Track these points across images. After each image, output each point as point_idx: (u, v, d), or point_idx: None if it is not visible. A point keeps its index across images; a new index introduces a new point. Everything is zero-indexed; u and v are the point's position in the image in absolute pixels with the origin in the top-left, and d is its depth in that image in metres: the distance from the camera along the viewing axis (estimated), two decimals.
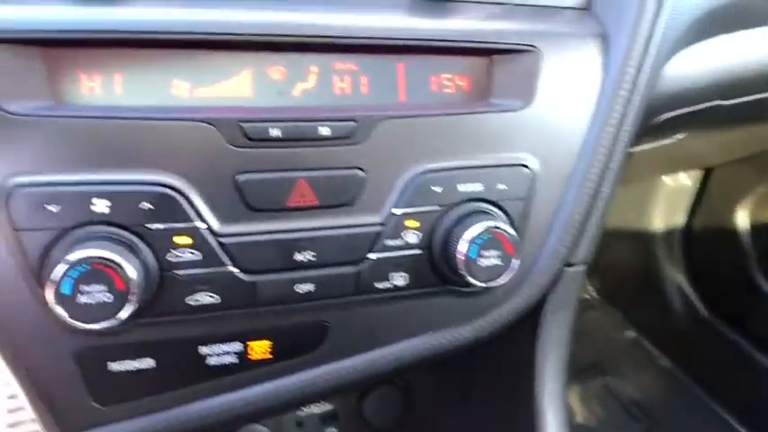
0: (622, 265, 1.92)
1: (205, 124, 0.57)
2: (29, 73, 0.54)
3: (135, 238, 0.57)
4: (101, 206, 0.56)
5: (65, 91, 0.56)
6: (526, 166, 0.69)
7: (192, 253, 0.59)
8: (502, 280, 0.66)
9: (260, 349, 0.66)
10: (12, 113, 0.53)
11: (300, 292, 0.63)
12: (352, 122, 0.61)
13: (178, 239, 0.58)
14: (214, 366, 0.64)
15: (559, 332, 0.82)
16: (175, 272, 0.59)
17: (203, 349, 0.64)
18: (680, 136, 1.05)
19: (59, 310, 0.53)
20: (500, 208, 0.68)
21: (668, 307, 1.78)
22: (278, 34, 0.60)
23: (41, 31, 0.54)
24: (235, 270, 0.61)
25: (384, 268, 0.65)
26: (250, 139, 0.59)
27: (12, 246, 0.55)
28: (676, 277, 1.77)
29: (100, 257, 0.53)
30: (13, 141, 0.54)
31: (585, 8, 0.76)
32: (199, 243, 0.59)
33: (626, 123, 0.72)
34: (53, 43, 0.55)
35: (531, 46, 0.67)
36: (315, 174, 0.62)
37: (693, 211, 1.73)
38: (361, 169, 0.63)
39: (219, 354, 0.64)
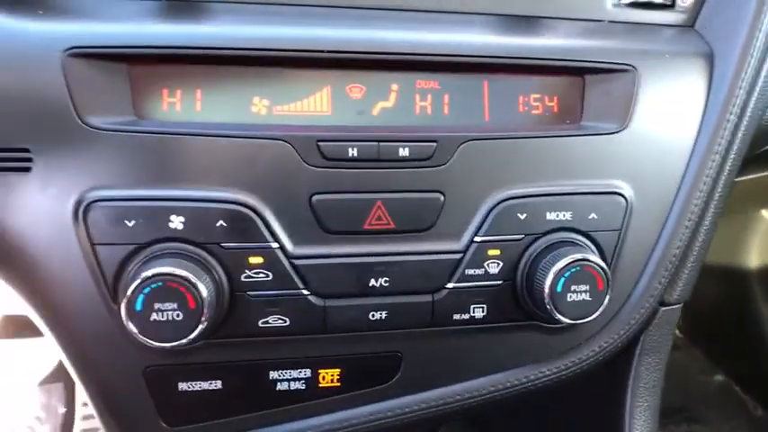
0: (711, 303, 1.79)
1: (282, 142, 0.56)
2: (112, 88, 0.55)
3: (209, 257, 0.56)
4: (176, 223, 0.55)
5: (146, 106, 0.56)
6: (620, 195, 0.64)
7: (264, 274, 0.57)
8: (590, 317, 0.61)
9: (330, 377, 0.63)
10: (93, 127, 0.54)
11: (373, 319, 0.61)
12: (432, 143, 0.59)
13: (251, 259, 0.57)
14: (283, 392, 0.63)
15: (652, 377, 0.75)
16: (247, 292, 0.57)
17: (272, 374, 0.62)
18: None
19: (131, 326, 0.52)
20: (591, 239, 0.63)
21: (763, 351, 1.64)
22: (360, 51, 0.58)
23: (127, 47, 0.54)
24: (307, 293, 0.59)
25: (462, 299, 0.62)
26: (327, 158, 0.57)
27: (89, 260, 0.55)
28: None
29: (173, 275, 0.52)
30: (93, 155, 0.54)
31: (688, 25, 0.71)
32: (272, 264, 0.57)
33: (733, 150, 0.66)
34: (138, 58, 0.55)
35: (628, 65, 0.63)
36: (392, 196, 0.59)
37: None
38: (441, 193, 0.60)
39: (288, 379, 0.62)
